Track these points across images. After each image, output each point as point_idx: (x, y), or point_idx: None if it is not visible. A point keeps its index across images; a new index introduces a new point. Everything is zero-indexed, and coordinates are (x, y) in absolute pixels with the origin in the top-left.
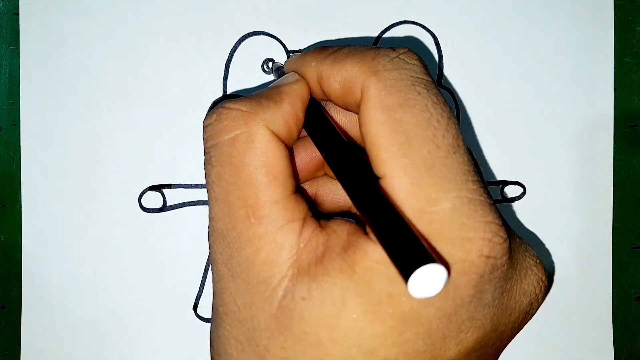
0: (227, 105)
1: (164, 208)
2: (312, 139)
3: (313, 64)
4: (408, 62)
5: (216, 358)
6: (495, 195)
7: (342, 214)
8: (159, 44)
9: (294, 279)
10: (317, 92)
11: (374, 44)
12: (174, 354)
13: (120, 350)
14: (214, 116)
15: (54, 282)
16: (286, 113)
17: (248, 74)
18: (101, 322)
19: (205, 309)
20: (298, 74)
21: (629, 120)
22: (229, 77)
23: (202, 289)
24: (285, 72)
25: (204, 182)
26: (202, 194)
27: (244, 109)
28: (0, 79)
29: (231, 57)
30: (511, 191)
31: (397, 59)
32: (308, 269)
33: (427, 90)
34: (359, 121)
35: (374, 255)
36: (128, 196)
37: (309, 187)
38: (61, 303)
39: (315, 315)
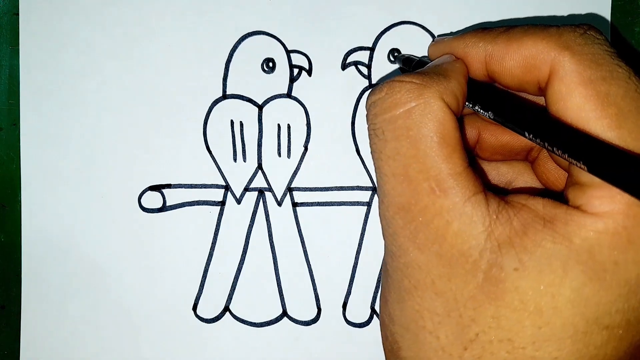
0: (397, 79)
1: (163, 208)
2: (484, 108)
3: (480, 44)
4: (597, 37)
5: (402, 332)
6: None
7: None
8: (158, 44)
9: (497, 251)
10: (480, 72)
11: (373, 44)
12: (174, 354)
13: (120, 351)
14: (385, 90)
15: (54, 282)
16: (455, 87)
17: (248, 74)
18: (101, 322)
19: (205, 309)
20: (455, 56)
21: None
22: (228, 77)
23: (202, 289)
24: (431, 56)
25: (203, 182)
26: (202, 194)
27: (417, 82)
28: (0, 79)
29: (231, 57)
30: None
31: (587, 35)
32: (511, 241)
33: (622, 62)
34: (548, 99)
35: (595, 225)
36: (128, 196)
37: (507, 171)
38: (61, 303)
39: (532, 285)
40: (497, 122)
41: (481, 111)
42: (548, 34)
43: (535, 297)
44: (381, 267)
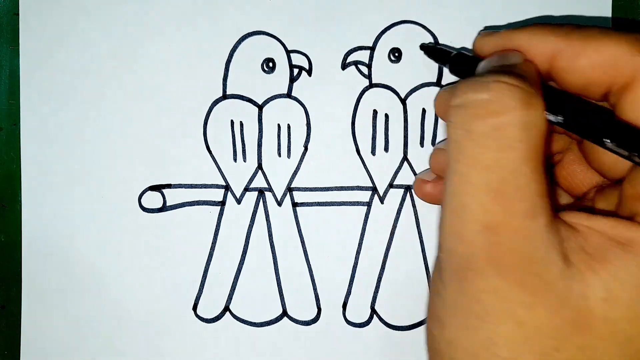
0: (504, 79)
1: (163, 208)
2: (554, 111)
3: (551, 38)
4: None
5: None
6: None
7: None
8: (159, 44)
9: (582, 281)
10: (541, 68)
11: (374, 43)
12: (174, 353)
13: (120, 350)
14: (493, 90)
15: (54, 282)
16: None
17: (248, 74)
18: (101, 322)
19: (205, 309)
20: (516, 48)
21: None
22: (229, 77)
23: (202, 289)
24: (481, 49)
25: (203, 182)
26: (202, 194)
27: (525, 87)
28: (1, 79)
29: (231, 57)
30: None
31: None
32: (593, 269)
33: None
34: (622, 105)
35: None
36: (128, 196)
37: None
38: (61, 303)
39: (624, 315)
40: (563, 126)
41: (550, 116)
42: (633, 38)
43: (626, 327)
44: (431, 286)
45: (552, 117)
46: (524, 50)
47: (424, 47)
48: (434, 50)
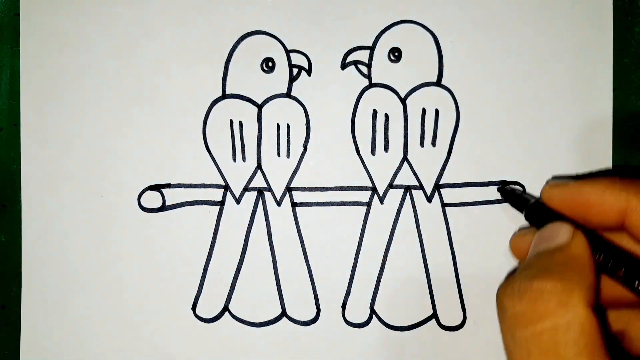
0: (538, 285)
1: (163, 207)
2: (612, 276)
3: (623, 194)
4: None
5: None
6: (494, 195)
7: None
8: (158, 44)
9: None
10: (613, 221)
11: (373, 43)
12: (173, 353)
13: (120, 350)
14: (525, 299)
15: (54, 282)
16: (592, 279)
17: (247, 74)
18: (101, 322)
19: (204, 309)
20: (585, 201)
21: (628, 120)
22: (228, 76)
23: (201, 288)
24: (551, 200)
25: (203, 182)
26: (201, 194)
27: (560, 286)
28: (1, 79)
29: (231, 57)
30: None
31: None
32: None
33: None
34: None
35: None
36: (127, 196)
37: (615, 322)
38: (61, 303)
39: None
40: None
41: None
42: None
43: None
44: None
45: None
46: (594, 203)
47: (501, 190)
48: (511, 194)
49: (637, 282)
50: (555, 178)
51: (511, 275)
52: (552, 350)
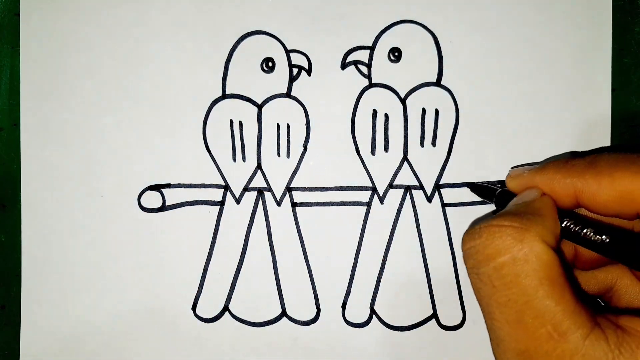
0: (495, 222)
1: (163, 208)
2: (580, 243)
3: (568, 181)
4: None
5: None
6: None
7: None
8: (159, 44)
9: None
10: (570, 203)
11: (373, 43)
12: (173, 353)
13: (120, 350)
14: (484, 235)
15: (54, 282)
16: (552, 224)
17: (247, 74)
18: (100, 322)
19: (204, 309)
20: (539, 188)
21: (627, 120)
22: (228, 76)
23: (201, 288)
24: (512, 189)
25: (203, 182)
26: (201, 194)
27: (516, 225)
28: (1, 79)
29: (231, 57)
30: None
31: None
32: None
33: None
34: None
35: None
36: (127, 196)
37: (605, 279)
38: (61, 303)
39: None
40: (606, 254)
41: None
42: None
43: None
44: None
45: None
46: (548, 191)
47: (471, 186)
48: (481, 189)
49: (597, 237)
50: (513, 168)
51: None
52: (514, 281)
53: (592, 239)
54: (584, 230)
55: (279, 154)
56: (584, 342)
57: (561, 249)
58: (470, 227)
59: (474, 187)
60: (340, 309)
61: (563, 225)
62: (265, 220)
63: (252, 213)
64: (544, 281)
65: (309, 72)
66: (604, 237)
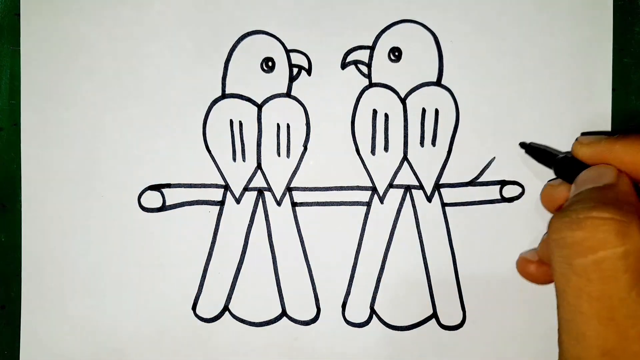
0: (597, 215)
1: (163, 207)
2: None
3: None
4: None
5: None
6: (494, 195)
7: None
8: (158, 44)
9: None
10: None
11: (373, 43)
12: (174, 353)
13: (120, 350)
14: (587, 228)
15: (54, 282)
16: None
17: (247, 73)
18: (100, 321)
19: (204, 309)
20: (615, 161)
21: (627, 120)
22: (228, 76)
23: (202, 288)
24: (583, 157)
25: (203, 181)
26: (201, 194)
27: (619, 218)
28: (1, 79)
29: (230, 56)
30: (510, 191)
31: None
32: None
33: None
34: None
35: None
36: (128, 195)
37: None
38: (61, 303)
39: None
40: None
41: None
42: None
43: None
44: None
45: None
46: (628, 161)
47: (524, 146)
48: (537, 151)
49: None
50: (584, 134)
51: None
52: (611, 277)
53: None
54: None
55: (279, 154)
56: None
57: None
58: (562, 213)
59: (529, 148)
60: (341, 309)
61: None
62: (265, 220)
63: (252, 213)
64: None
65: (309, 71)
66: None
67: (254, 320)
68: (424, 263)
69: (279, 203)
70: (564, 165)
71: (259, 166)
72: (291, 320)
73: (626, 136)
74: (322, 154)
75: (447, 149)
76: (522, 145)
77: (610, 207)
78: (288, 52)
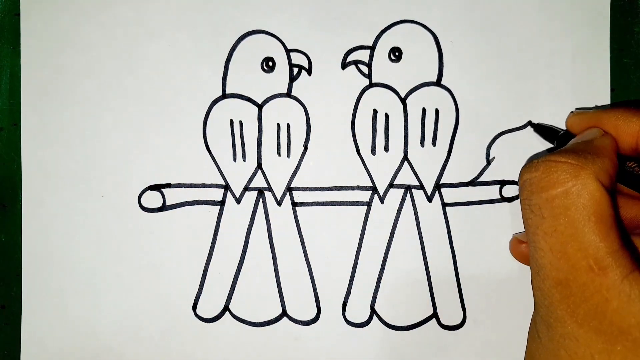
0: (553, 158)
1: (163, 207)
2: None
3: (634, 119)
4: None
5: None
6: (494, 195)
7: None
8: (158, 44)
9: None
10: (630, 146)
11: (374, 43)
12: (174, 353)
13: (120, 350)
14: (541, 168)
15: (54, 282)
16: (608, 165)
17: (248, 73)
18: (100, 321)
19: (205, 309)
20: (602, 129)
21: None
22: (228, 76)
23: (202, 288)
24: (572, 127)
25: (203, 181)
26: (201, 194)
27: (573, 162)
28: (2, 79)
29: (231, 56)
30: (510, 191)
31: None
32: None
33: None
34: None
35: None
36: (128, 196)
37: None
38: (61, 303)
39: None
40: None
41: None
42: None
43: None
44: (529, 330)
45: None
46: (610, 129)
47: (534, 125)
48: (543, 129)
49: None
50: (578, 109)
51: None
52: (563, 213)
53: None
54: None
55: (279, 154)
56: (622, 280)
57: (617, 201)
58: (528, 161)
59: (537, 126)
60: (341, 309)
61: (626, 167)
62: (266, 220)
63: (252, 213)
64: (592, 217)
65: (309, 71)
66: None
67: (254, 320)
68: (424, 263)
69: (279, 203)
70: (563, 141)
71: (259, 166)
72: (291, 320)
73: (614, 108)
74: (322, 153)
75: (447, 149)
76: (530, 124)
77: (567, 153)
78: (288, 51)
